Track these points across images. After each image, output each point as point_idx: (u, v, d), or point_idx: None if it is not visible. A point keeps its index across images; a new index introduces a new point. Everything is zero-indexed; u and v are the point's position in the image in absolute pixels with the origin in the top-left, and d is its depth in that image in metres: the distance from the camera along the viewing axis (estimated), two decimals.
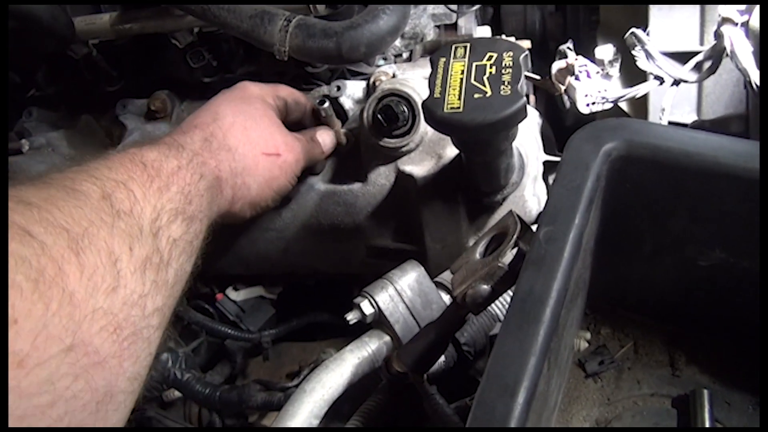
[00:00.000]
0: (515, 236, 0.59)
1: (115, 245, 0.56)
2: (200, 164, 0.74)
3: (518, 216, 0.61)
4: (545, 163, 1.02)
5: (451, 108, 0.74)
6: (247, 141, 0.83)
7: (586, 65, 1.01)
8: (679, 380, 0.77)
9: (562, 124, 1.31)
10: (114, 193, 0.60)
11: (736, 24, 0.78)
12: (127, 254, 0.57)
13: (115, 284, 0.54)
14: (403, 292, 0.78)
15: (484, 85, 0.75)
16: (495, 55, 0.77)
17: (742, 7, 0.79)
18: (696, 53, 0.93)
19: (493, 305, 0.78)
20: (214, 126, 0.82)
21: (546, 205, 0.57)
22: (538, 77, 1.18)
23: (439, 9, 1.14)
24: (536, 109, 1.31)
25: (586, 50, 1.08)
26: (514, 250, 0.59)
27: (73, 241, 0.52)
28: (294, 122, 0.99)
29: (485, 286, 0.58)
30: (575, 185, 0.57)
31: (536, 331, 0.51)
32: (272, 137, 0.87)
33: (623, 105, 1.10)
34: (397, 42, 1.15)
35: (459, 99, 0.74)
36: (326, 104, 0.94)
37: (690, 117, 1.04)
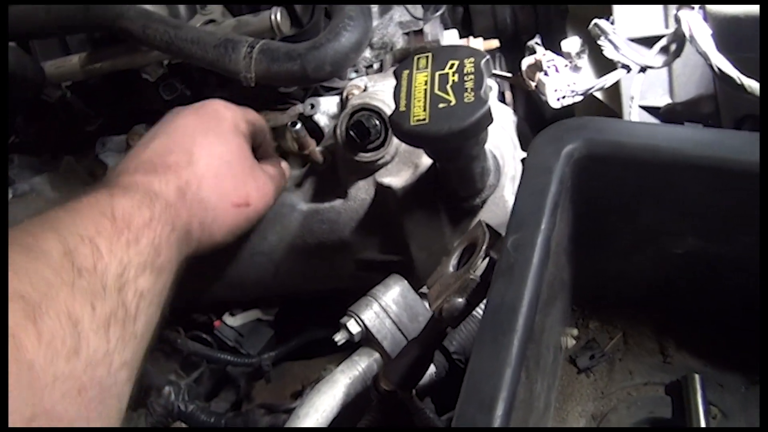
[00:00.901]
0: (485, 246, 0.59)
1: (76, 306, 0.56)
2: (173, 216, 0.72)
3: (487, 225, 0.61)
4: (524, 161, 1.02)
5: (418, 120, 0.74)
6: (219, 191, 0.81)
7: (553, 60, 1.01)
8: (671, 367, 0.77)
9: (543, 119, 1.32)
10: (77, 249, 0.59)
11: (693, 8, 0.78)
12: (90, 313, 0.56)
13: (76, 346, 0.54)
14: (388, 308, 0.78)
15: (448, 94, 0.75)
16: (456, 63, 0.77)
17: None
18: (662, 37, 0.93)
19: (480, 312, 0.79)
20: (189, 172, 0.79)
21: (512, 212, 0.57)
22: (509, 75, 1.19)
23: (405, 17, 1.15)
24: (513, 106, 1.31)
25: (558, 40, 1.08)
26: (486, 261, 0.59)
27: (30, 309, 0.52)
28: (257, 147, 0.97)
29: (460, 299, 0.58)
30: (539, 189, 0.58)
31: (510, 341, 0.51)
32: (244, 185, 0.85)
33: (597, 94, 1.10)
34: (367, 53, 1.15)
35: (424, 110, 0.74)
36: (298, 125, 0.95)
37: (663, 100, 1.03)
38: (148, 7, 1.01)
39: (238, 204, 0.83)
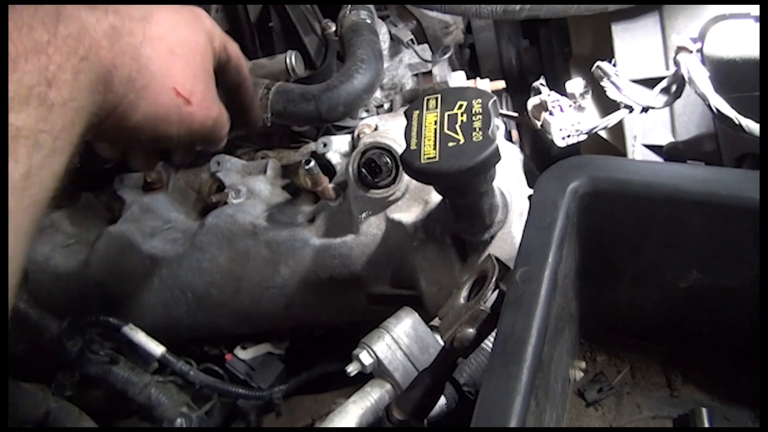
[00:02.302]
0: (494, 278, 0.61)
1: None
2: (88, 49, 0.57)
3: (497, 258, 0.63)
4: (530, 198, 1.05)
5: (428, 158, 0.77)
6: (165, 65, 0.65)
7: (558, 100, 1.05)
8: (678, 400, 0.78)
9: (550, 157, 1.35)
10: None
11: (691, 51, 0.81)
12: None
13: None
14: (399, 340, 0.80)
15: (457, 133, 0.78)
16: (465, 104, 0.81)
17: (695, 34, 0.82)
18: (662, 78, 0.97)
19: (489, 344, 0.80)
20: (138, 25, 0.63)
21: (520, 246, 0.60)
22: (516, 114, 1.23)
23: (414, 59, 1.19)
24: (519, 144, 1.35)
25: (563, 80, 1.12)
26: (495, 292, 0.61)
27: None
28: (226, 90, 0.81)
29: (470, 330, 0.60)
30: (546, 225, 0.60)
31: (520, 371, 0.53)
32: (193, 82, 0.69)
33: (602, 133, 1.13)
34: (378, 93, 1.20)
35: (434, 149, 0.78)
36: (312, 164, 0.98)
37: (666, 138, 1.07)
38: None
39: (179, 93, 0.67)
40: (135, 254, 1.14)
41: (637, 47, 1.04)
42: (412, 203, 1.01)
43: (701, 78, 0.79)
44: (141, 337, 1.12)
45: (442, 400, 0.77)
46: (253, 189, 1.15)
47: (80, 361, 1.12)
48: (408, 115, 0.83)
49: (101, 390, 1.30)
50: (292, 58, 1.04)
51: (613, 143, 1.16)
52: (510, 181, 1.00)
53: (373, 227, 1.03)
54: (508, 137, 1.32)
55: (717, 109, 0.77)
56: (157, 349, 1.12)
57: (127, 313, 1.17)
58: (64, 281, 1.19)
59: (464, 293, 0.66)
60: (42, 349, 1.16)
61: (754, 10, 0.79)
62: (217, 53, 0.75)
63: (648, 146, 1.07)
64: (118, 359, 1.12)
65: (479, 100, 0.80)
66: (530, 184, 1.08)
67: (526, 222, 0.61)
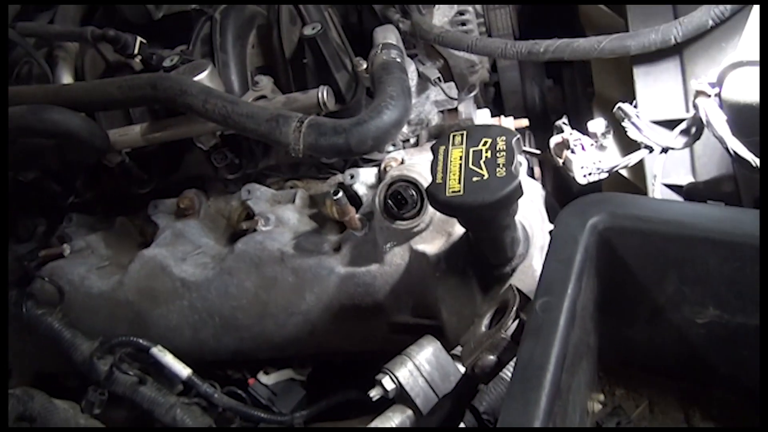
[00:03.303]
0: (515, 308, 0.64)
1: None
2: None
3: (518, 289, 0.66)
4: (551, 233, 1.07)
5: (453, 191, 0.80)
6: None
7: (580, 139, 1.08)
8: None
9: (571, 193, 1.37)
10: None
11: (709, 96, 0.84)
12: None
13: None
14: (421, 367, 0.82)
15: (481, 169, 0.81)
16: (489, 140, 0.84)
17: (713, 79, 0.85)
18: (682, 120, 0.99)
19: (507, 374, 0.82)
20: None
21: (540, 277, 0.62)
22: (538, 152, 1.26)
23: (441, 96, 1.23)
24: (541, 181, 1.38)
25: (586, 121, 1.15)
26: (516, 321, 0.64)
27: None
28: None
29: (491, 357, 0.63)
30: (566, 257, 0.63)
31: (538, 397, 0.55)
32: None
33: (623, 171, 1.16)
34: (405, 129, 1.24)
35: (459, 183, 0.81)
36: (340, 194, 1.02)
37: (686, 179, 1.09)
38: (206, 82, 1.11)
39: None
40: (166, 277, 1.19)
41: (657, 90, 1.07)
42: (435, 235, 1.04)
43: (719, 121, 0.82)
44: (168, 359, 1.15)
45: (462, 427, 0.79)
46: (281, 217, 1.19)
47: (109, 380, 1.15)
48: (434, 150, 0.86)
49: (126, 411, 1.33)
50: (324, 93, 1.08)
51: (633, 182, 1.18)
52: (532, 216, 1.02)
53: (397, 257, 1.06)
54: (531, 174, 1.35)
55: (734, 152, 0.79)
56: (183, 371, 1.15)
57: (155, 335, 1.20)
58: (97, 301, 1.24)
59: (486, 321, 0.68)
60: (73, 367, 1.20)
61: None
62: None
63: (668, 185, 1.09)
64: (146, 380, 1.15)
65: (503, 138, 0.84)
66: (551, 220, 1.11)
67: (547, 254, 0.64)
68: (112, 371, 1.14)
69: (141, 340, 1.15)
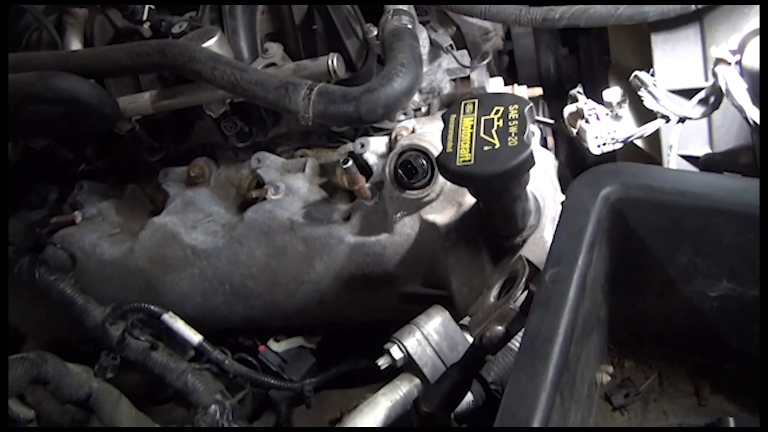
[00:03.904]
0: (525, 279, 0.63)
1: None
2: None
3: (527, 260, 0.65)
4: (564, 204, 1.06)
5: (463, 161, 0.79)
6: None
7: (594, 108, 1.06)
8: (705, 409, 0.78)
9: (585, 164, 1.35)
10: None
11: (729, 63, 0.82)
12: None
13: None
14: (429, 336, 0.82)
15: (493, 138, 0.80)
16: (502, 109, 0.83)
17: (734, 47, 0.83)
18: (701, 89, 0.97)
19: (516, 344, 0.82)
20: None
21: (550, 248, 0.61)
22: (552, 121, 1.24)
23: (453, 64, 1.21)
24: (555, 151, 1.36)
25: (602, 90, 1.13)
26: (525, 292, 0.63)
27: None
28: None
29: (499, 327, 0.62)
30: (577, 229, 0.62)
31: (546, 368, 0.55)
32: None
33: (638, 142, 1.14)
34: (416, 97, 1.22)
35: (470, 152, 0.80)
36: (350, 163, 1.01)
37: (703, 150, 1.07)
38: (215, 49, 1.09)
39: None
40: (177, 245, 1.19)
41: (676, 58, 1.05)
42: (446, 205, 1.03)
43: (739, 90, 0.80)
44: (180, 326, 1.16)
45: (469, 397, 0.79)
46: (291, 186, 1.19)
47: (121, 346, 1.16)
48: (445, 119, 0.85)
49: (138, 376, 1.35)
50: (333, 60, 1.07)
51: (648, 153, 1.16)
52: (544, 187, 1.01)
53: (407, 227, 1.06)
54: (544, 144, 1.33)
55: (754, 122, 0.77)
56: (194, 337, 1.16)
57: (165, 302, 1.21)
58: (109, 268, 1.24)
59: (494, 292, 0.68)
60: (85, 333, 1.22)
61: None
62: None
63: (684, 157, 1.07)
64: (158, 345, 1.16)
65: (516, 106, 0.82)
66: (564, 191, 1.10)
67: (558, 225, 0.63)
68: (124, 337, 1.16)
69: (153, 307, 1.16)
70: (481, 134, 0.81)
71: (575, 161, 1.48)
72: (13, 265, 1.22)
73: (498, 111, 0.83)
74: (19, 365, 1.03)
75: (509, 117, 0.81)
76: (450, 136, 0.83)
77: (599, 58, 1.49)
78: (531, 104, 0.82)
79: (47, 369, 1.08)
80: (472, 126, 0.83)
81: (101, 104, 1.10)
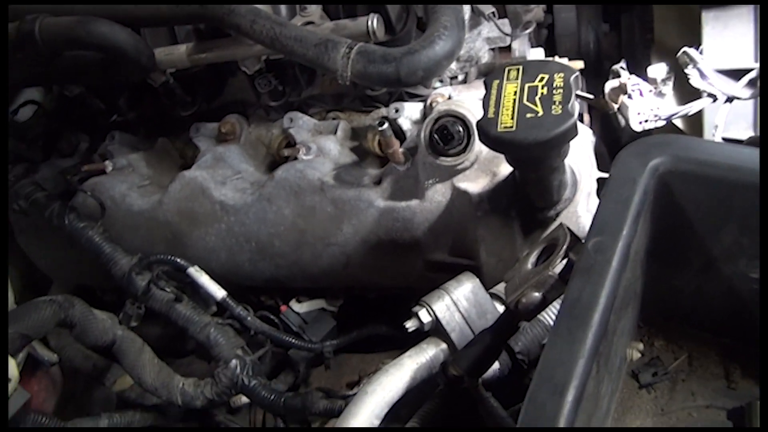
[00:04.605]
0: (565, 247, 0.62)
1: None
2: None
3: (568, 228, 0.64)
4: (599, 180, 1.04)
5: (505, 127, 0.78)
6: None
7: (638, 84, 1.04)
8: (735, 393, 0.77)
9: (618, 142, 1.33)
10: None
11: None
12: None
13: None
14: (459, 302, 0.82)
15: (536, 105, 0.78)
16: (546, 77, 0.81)
17: None
18: (750, 70, 0.94)
19: (546, 316, 0.81)
20: None
21: (594, 217, 0.60)
22: (591, 96, 1.22)
23: (494, 32, 1.19)
24: (590, 127, 1.33)
25: (641, 69, 1.10)
26: (564, 261, 0.62)
27: None
28: None
29: (536, 294, 0.61)
30: (623, 198, 0.60)
31: (585, 335, 0.54)
32: None
33: (678, 122, 1.11)
34: (453, 65, 1.20)
35: (512, 119, 0.78)
36: (385, 125, 1.00)
37: (746, 133, 1.04)
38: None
39: None
40: (206, 199, 1.19)
41: (727, 37, 1.02)
42: (480, 174, 1.01)
43: None
44: (204, 280, 1.16)
45: (496, 365, 0.79)
46: (323, 147, 1.18)
47: (146, 296, 1.17)
48: (487, 84, 0.83)
49: (158, 329, 1.37)
50: (374, 21, 1.05)
51: (689, 134, 1.13)
52: (581, 161, 0.99)
53: (438, 194, 1.05)
54: (580, 119, 1.30)
55: None
56: (218, 292, 1.16)
57: (191, 256, 1.22)
58: (137, 219, 1.25)
59: (532, 259, 0.67)
60: (111, 281, 1.23)
61: None
62: None
63: (727, 139, 1.04)
64: (182, 298, 1.17)
65: (561, 74, 0.80)
66: (599, 168, 1.08)
67: (603, 194, 0.62)
68: (149, 287, 1.17)
69: (179, 260, 1.17)
70: (524, 101, 0.79)
71: (608, 140, 1.46)
72: (43, 210, 1.23)
73: (543, 78, 0.81)
74: (48, 307, 1.04)
75: (554, 85, 0.79)
76: (492, 102, 0.81)
77: (641, 36, 1.45)
78: (577, 73, 0.80)
79: (74, 313, 1.09)
80: (515, 93, 0.81)
81: (138, 53, 1.09)
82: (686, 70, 0.96)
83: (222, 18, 1.03)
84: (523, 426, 0.52)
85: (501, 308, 0.84)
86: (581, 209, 0.97)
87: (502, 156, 0.95)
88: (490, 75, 0.85)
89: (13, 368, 0.81)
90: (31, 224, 1.35)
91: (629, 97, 1.02)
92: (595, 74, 1.44)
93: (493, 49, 1.23)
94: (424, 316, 0.81)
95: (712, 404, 0.77)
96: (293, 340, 1.20)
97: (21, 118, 1.39)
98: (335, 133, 1.22)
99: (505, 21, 1.20)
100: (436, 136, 0.99)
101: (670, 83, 1.04)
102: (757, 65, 0.94)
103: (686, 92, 1.05)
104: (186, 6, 1.06)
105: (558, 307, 0.82)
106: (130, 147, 1.35)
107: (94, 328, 1.11)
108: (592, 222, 0.61)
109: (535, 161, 0.83)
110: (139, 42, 1.11)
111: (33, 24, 1.05)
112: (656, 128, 1.03)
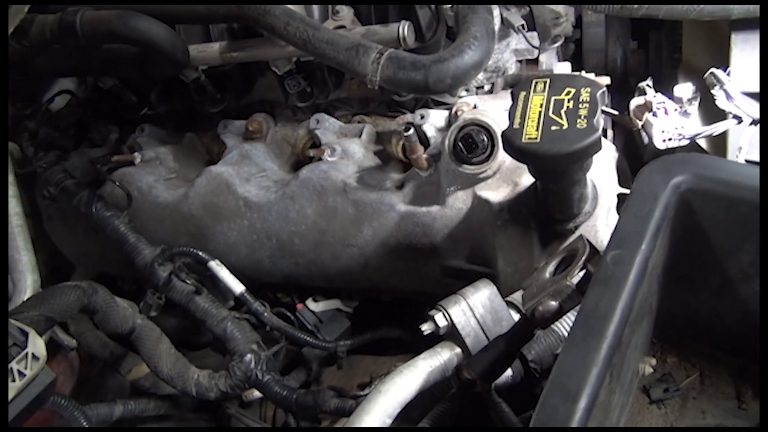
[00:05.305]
0: (584, 258, 0.63)
1: None
2: None
3: (587, 240, 0.65)
4: (619, 196, 1.05)
5: (529, 138, 0.79)
6: None
7: (664, 102, 1.04)
8: (746, 413, 0.77)
9: (640, 160, 1.33)
10: None
11: None
12: None
13: None
14: (475, 308, 0.83)
15: (561, 118, 0.80)
16: (573, 91, 0.82)
17: None
18: None
19: (560, 327, 0.82)
20: None
21: (614, 230, 0.61)
22: (616, 112, 1.22)
23: (522, 45, 1.20)
24: (614, 143, 1.34)
25: (667, 87, 1.11)
26: (582, 272, 0.63)
27: None
28: None
29: (553, 303, 0.62)
30: (644, 213, 0.61)
31: (599, 345, 0.55)
32: None
33: (702, 142, 1.12)
34: (480, 75, 1.21)
35: (537, 130, 0.80)
36: (411, 131, 1.01)
37: None
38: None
39: None
40: (230, 195, 1.21)
41: (755, 59, 1.02)
42: (501, 183, 1.03)
43: None
44: (224, 274, 1.19)
45: (508, 372, 0.80)
46: (347, 150, 1.20)
47: (167, 286, 1.20)
48: (514, 95, 0.85)
49: (176, 320, 1.39)
50: (405, 28, 1.07)
51: (713, 155, 1.14)
52: (603, 176, 1.00)
53: (459, 201, 1.06)
54: (604, 135, 1.31)
55: None
56: (237, 287, 1.19)
57: (213, 250, 1.24)
58: (162, 211, 1.28)
59: (551, 268, 0.68)
60: (134, 270, 1.25)
61: None
62: None
63: (750, 162, 1.05)
64: (202, 290, 1.19)
65: (588, 89, 0.82)
66: (620, 184, 1.08)
67: (624, 208, 0.63)
68: (170, 278, 1.19)
69: (200, 252, 1.19)
70: (550, 114, 0.81)
71: (630, 156, 1.46)
72: (72, 197, 1.26)
73: (569, 92, 0.82)
74: (73, 292, 1.07)
75: (580, 99, 0.81)
76: (518, 113, 0.82)
77: (669, 54, 1.46)
78: (604, 89, 0.82)
79: (97, 299, 1.12)
80: (542, 105, 0.82)
81: (173, 49, 1.12)
82: (713, 91, 0.97)
83: (257, 18, 1.05)
84: (535, 427, 0.53)
85: (516, 316, 0.85)
86: (600, 223, 0.98)
87: (524, 166, 0.97)
88: (517, 86, 0.86)
89: (41, 348, 0.84)
90: (58, 211, 1.39)
91: (654, 115, 1.02)
92: (621, 91, 1.45)
93: (520, 61, 1.24)
94: (440, 320, 0.83)
95: (722, 424, 0.78)
96: (308, 338, 1.22)
97: (55, 107, 1.43)
98: (360, 136, 1.24)
99: (534, 34, 1.22)
100: (460, 143, 1.01)
101: (696, 103, 1.04)
102: None
103: (711, 113, 1.05)
104: (223, 5, 1.08)
105: (573, 318, 0.83)
106: (158, 140, 1.38)
107: (115, 316, 1.14)
108: (612, 235, 0.62)
109: (557, 173, 0.84)
110: (176, 38, 1.14)
111: (74, 16, 1.09)
112: (679, 147, 1.03)
